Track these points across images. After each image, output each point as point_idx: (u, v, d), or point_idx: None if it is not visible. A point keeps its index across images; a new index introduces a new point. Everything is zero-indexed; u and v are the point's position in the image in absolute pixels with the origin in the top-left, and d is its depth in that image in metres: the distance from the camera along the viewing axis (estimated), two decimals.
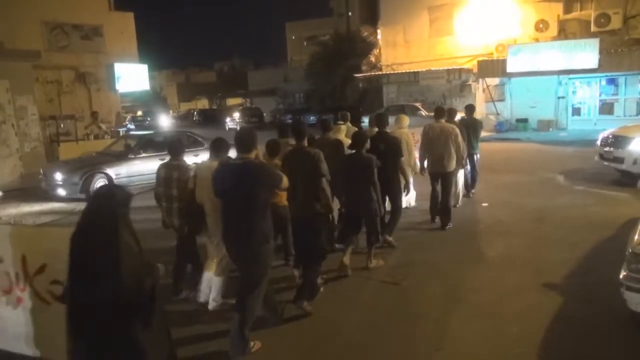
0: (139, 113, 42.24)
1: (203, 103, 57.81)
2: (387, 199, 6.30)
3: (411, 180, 7.51)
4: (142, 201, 7.12)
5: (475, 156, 8.74)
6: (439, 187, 7.25)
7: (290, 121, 29.15)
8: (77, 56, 17.12)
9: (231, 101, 52.61)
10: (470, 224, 7.40)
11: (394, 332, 4.26)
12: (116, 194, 2.75)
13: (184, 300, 5.00)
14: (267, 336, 4.16)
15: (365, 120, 12.15)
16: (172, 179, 5.02)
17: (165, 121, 36.27)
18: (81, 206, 9.37)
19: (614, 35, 17.61)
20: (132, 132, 19.18)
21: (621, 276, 3.97)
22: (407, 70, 23.82)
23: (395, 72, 24.55)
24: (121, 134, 15.44)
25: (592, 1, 18.36)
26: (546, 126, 19.97)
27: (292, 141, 5.30)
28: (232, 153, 5.28)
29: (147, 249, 2.89)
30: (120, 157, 10.82)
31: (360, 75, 28.22)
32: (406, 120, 7.53)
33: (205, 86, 59.93)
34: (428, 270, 5.65)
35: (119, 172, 10.36)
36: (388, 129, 6.57)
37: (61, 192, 10.15)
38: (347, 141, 6.14)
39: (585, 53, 17.38)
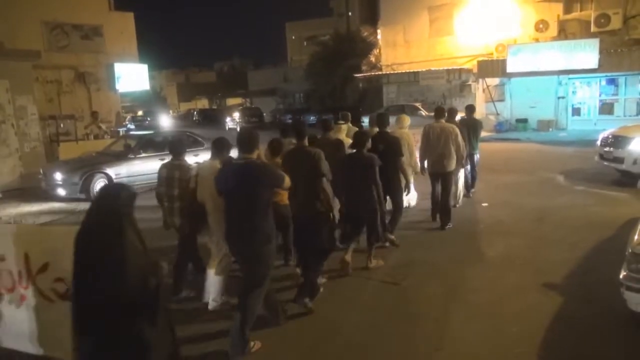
0: (139, 113, 42.21)
1: (203, 103, 57.74)
2: (388, 198, 6.31)
3: (412, 180, 7.53)
4: (143, 201, 7.05)
5: (475, 156, 8.75)
6: (439, 187, 7.26)
7: (290, 121, 29.17)
8: (77, 56, 17.11)
9: (231, 101, 52.58)
10: (470, 224, 7.40)
11: (394, 332, 4.26)
12: (121, 193, 2.76)
13: (184, 300, 5.00)
14: (267, 336, 4.16)
15: (365, 120, 12.17)
16: (173, 179, 5.06)
17: (165, 121, 36.24)
18: (82, 206, 9.43)
19: (614, 35, 17.61)
20: (132, 132, 19.20)
21: (621, 276, 3.98)
22: (407, 70, 23.81)
23: (395, 72, 24.55)
24: (121, 133, 15.44)
25: (592, 1, 18.36)
26: (546, 126, 19.97)
27: (295, 141, 5.31)
28: (233, 153, 5.32)
29: (148, 249, 2.89)
30: (120, 157, 10.81)
31: (360, 75, 28.22)
32: (407, 120, 7.54)
33: (205, 86, 59.89)
34: (428, 270, 5.65)
35: (119, 172, 10.35)
36: (389, 129, 6.58)
37: (61, 192, 10.15)
38: (348, 141, 6.16)
39: (585, 53, 17.38)
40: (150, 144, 11.27)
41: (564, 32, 19.18)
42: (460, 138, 7.16)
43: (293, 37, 52.08)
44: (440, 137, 7.04)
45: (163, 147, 10.92)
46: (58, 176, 10.18)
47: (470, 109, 9.08)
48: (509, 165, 12.41)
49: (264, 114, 36.30)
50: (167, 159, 5.52)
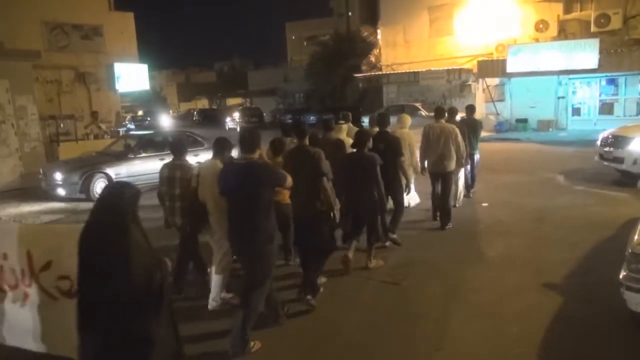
0: (140, 113, 42.24)
1: (203, 103, 57.80)
2: (389, 197, 6.32)
3: (413, 179, 7.55)
4: (143, 200, 7.03)
5: (475, 156, 8.75)
6: (439, 187, 7.27)
7: (290, 121, 29.17)
8: (77, 56, 17.10)
9: (231, 101, 52.62)
10: (470, 224, 7.40)
11: (394, 332, 4.26)
12: (125, 192, 2.76)
13: (184, 299, 5.00)
14: (267, 336, 4.16)
15: (365, 120, 12.17)
16: (174, 178, 5.08)
17: (165, 121, 36.28)
18: (82, 205, 9.43)
19: (614, 35, 17.61)
20: (131, 132, 19.20)
21: (621, 276, 3.98)
22: (407, 70, 23.82)
23: (395, 72, 24.56)
24: (121, 133, 15.44)
25: (592, 1, 18.36)
26: (546, 126, 19.96)
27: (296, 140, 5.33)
28: (234, 152, 5.34)
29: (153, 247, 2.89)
30: (120, 157, 10.81)
31: (360, 75, 28.22)
32: (408, 120, 7.56)
33: (205, 86, 59.93)
34: (428, 270, 5.65)
35: (119, 172, 10.34)
36: (389, 129, 6.59)
37: (61, 191, 10.15)
38: (349, 141, 6.17)
39: (585, 53, 17.37)
40: (150, 144, 11.27)
41: (564, 32, 19.18)
42: (460, 138, 7.16)
43: (293, 37, 52.09)
44: (440, 138, 7.04)
45: (163, 147, 10.94)
46: (58, 176, 10.18)
47: (471, 109, 9.08)
48: (509, 165, 12.41)
49: (264, 114, 36.33)
50: (167, 159, 5.53)
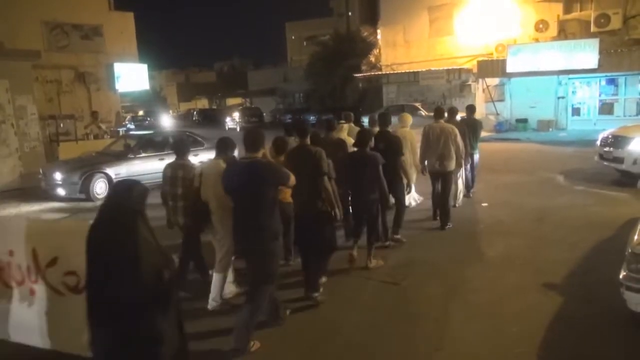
0: (140, 113, 42.24)
1: (203, 103, 57.82)
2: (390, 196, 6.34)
3: (414, 179, 7.56)
4: None
5: (474, 156, 8.75)
6: (439, 187, 7.28)
7: (290, 121, 29.18)
8: (77, 56, 17.10)
9: (231, 101, 52.61)
10: (470, 224, 7.40)
11: (394, 332, 4.26)
12: (134, 190, 2.77)
13: (184, 299, 4.99)
14: (267, 336, 4.16)
15: (365, 120, 12.18)
16: (177, 178, 5.11)
17: (165, 121, 36.29)
18: (82, 205, 9.42)
19: (614, 35, 17.61)
20: (131, 132, 19.20)
21: (621, 276, 3.98)
22: (407, 70, 23.80)
23: (395, 72, 24.55)
24: (121, 133, 15.44)
25: (592, 1, 18.36)
26: (546, 126, 19.96)
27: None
28: (236, 152, 5.35)
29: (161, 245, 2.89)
30: (120, 157, 10.81)
31: (360, 75, 28.21)
32: (410, 119, 7.58)
33: (205, 86, 59.94)
34: (428, 270, 5.65)
35: (119, 172, 10.34)
36: (390, 128, 6.60)
37: (60, 191, 10.15)
38: (350, 140, 6.19)
39: (585, 53, 17.37)
40: (150, 144, 11.27)
41: (564, 32, 19.18)
42: (459, 138, 7.17)
43: (293, 37, 52.09)
44: (440, 138, 7.05)
45: (163, 147, 10.95)
46: (58, 176, 10.18)
47: (471, 109, 9.09)
48: (509, 165, 12.41)
49: (264, 114, 36.31)
50: (167, 159, 5.54)
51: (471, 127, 8.50)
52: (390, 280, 5.36)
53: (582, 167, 11.35)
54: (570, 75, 19.38)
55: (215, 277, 4.78)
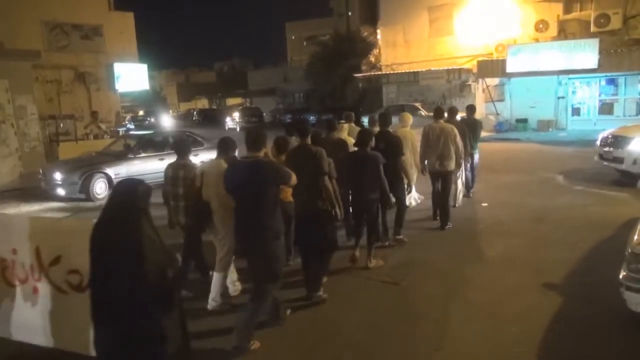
0: (140, 113, 42.25)
1: (203, 103, 57.83)
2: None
3: (415, 179, 7.57)
4: None
5: (474, 156, 8.76)
6: (439, 187, 7.28)
7: (289, 121, 29.18)
8: (77, 56, 17.11)
9: (231, 101, 52.62)
10: (470, 224, 7.40)
11: (394, 332, 4.26)
12: (138, 189, 2.78)
13: (184, 299, 4.99)
14: (267, 336, 4.16)
15: (365, 120, 12.19)
16: (178, 178, 5.12)
17: (165, 121, 36.29)
18: (82, 204, 9.41)
19: (614, 35, 17.61)
20: (131, 132, 19.20)
21: (621, 276, 3.98)
22: (407, 70, 23.80)
23: (395, 72, 24.55)
24: (121, 133, 15.44)
25: (592, 1, 18.35)
26: (546, 126, 19.96)
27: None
28: (237, 152, 5.36)
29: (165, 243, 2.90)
30: (120, 157, 10.81)
31: (360, 75, 28.21)
32: (410, 118, 7.60)
33: (205, 86, 59.94)
34: (428, 270, 5.65)
35: (119, 172, 10.34)
36: (391, 128, 6.61)
37: (60, 191, 10.15)
38: (351, 140, 6.20)
39: (585, 53, 17.37)
40: (149, 144, 11.27)
41: (564, 32, 19.18)
42: (459, 138, 7.17)
43: (293, 37, 52.09)
44: (440, 138, 7.05)
45: (162, 147, 10.95)
46: (58, 176, 10.18)
47: (471, 109, 9.09)
48: (509, 165, 12.41)
49: (264, 114, 36.33)
50: (167, 159, 5.55)
51: (471, 127, 8.50)
52: (390, 280, 5.36)
53: (582, 167, 11.35)
54: (570, 75, 19.38)
55: (215, 277, 4.78)
